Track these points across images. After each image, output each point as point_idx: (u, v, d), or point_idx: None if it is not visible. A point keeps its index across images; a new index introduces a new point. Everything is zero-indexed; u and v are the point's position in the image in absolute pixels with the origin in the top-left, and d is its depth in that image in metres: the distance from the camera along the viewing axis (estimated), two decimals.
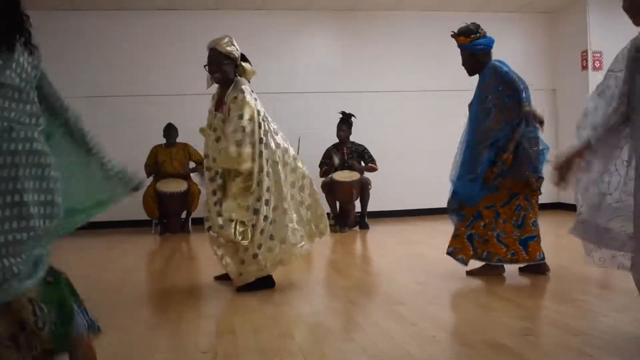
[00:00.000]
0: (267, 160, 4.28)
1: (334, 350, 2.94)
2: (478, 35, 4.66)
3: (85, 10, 8.86)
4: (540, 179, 4.50)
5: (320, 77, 9.43)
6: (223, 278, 4.69)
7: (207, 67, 4.45)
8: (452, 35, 4.68)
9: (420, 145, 9.42)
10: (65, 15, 8.80)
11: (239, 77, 4.46)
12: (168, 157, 8.31)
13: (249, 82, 4.52)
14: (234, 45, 4.44)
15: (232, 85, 4.41)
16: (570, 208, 3.25)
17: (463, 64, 4.73)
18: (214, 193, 4.37)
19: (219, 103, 4.49)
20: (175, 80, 8.81)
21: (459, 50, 4.69)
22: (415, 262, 5.40)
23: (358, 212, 8.26)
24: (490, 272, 4.63)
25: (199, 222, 7.45)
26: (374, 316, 3.62)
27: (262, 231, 4.20)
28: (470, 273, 4.68)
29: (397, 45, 9.53)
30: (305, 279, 5.07)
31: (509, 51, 9.60)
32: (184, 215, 8.34)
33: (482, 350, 2.84)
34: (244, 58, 4.55)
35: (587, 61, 9.00)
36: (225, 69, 4.40)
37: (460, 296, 4.21)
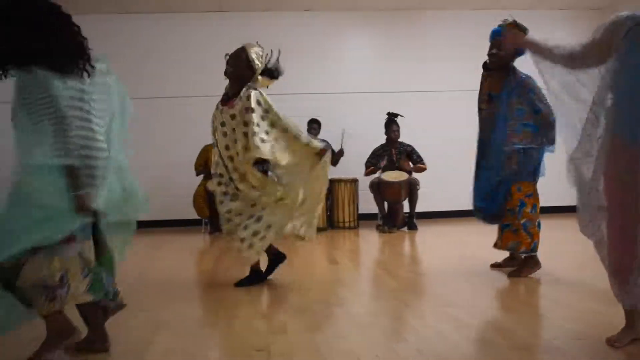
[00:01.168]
0: None
1: (388, 351, 2.94)
2: None
3: (134, 13, 9.06)
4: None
5: (366, 77, 9.43)
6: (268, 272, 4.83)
7: (227, 57, 4.64)
8: (509, 24, 4.61)
9: (468, 145, 9.27)
10: (114, 19, 9.02)
11: (251, 84, 4.54)
12: None
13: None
14: (259, 57, 4.54)
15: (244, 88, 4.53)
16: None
17: (495, 55, 4.77)
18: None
19: (226, 98, 4.68)
20: (222, 81, 8.91)
21: None
22: (466, 263, 5.37)
23: (406, 213, 8.23)
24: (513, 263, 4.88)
25: None
26: (426, 317, 3.62)
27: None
28: (494, 265, 5.02)
29: (444, 44, 9.46)
30: (355, 280, 5.08)
31: None
32: None
33: (538, 355, 2.81)
34: (271, 74, 4.63)
35: None
36: (240, 65, 4.54)
37: (512, 297, 4.17)
